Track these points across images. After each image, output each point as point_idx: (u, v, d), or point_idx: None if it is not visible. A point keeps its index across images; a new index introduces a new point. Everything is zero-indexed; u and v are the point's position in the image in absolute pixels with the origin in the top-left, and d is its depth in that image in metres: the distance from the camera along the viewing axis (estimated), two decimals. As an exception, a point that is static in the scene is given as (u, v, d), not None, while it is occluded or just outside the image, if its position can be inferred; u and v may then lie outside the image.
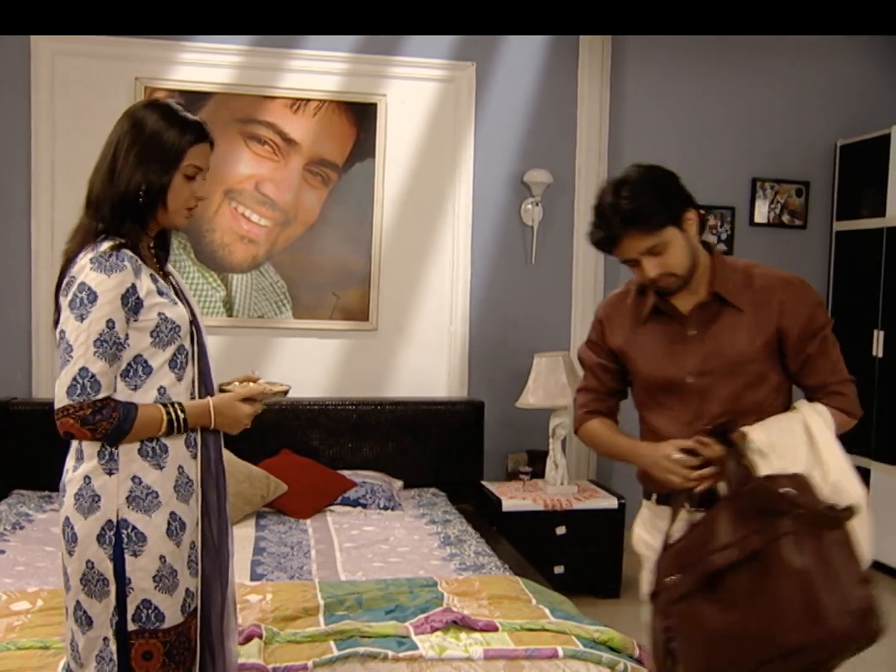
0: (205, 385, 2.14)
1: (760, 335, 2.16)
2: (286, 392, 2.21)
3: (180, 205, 2.08)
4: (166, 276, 2.18)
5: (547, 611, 3.04)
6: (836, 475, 1.98)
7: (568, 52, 5.15)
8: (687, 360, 2.21)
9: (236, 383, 2.17)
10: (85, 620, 2.01)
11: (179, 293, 2.17)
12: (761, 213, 5.33)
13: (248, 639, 2.65)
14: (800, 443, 2.03)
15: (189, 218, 2.14)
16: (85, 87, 4.67)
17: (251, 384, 2.19)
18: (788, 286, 2.18)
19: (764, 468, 1.99)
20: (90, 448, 2.01)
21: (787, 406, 2.21)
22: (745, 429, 2.05)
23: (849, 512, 1.86)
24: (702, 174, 5.20)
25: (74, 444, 2.05)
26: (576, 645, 2.76)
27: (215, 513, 2.14)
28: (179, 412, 2.02)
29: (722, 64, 5.22)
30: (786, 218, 5.37)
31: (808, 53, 5.34)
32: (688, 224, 2.13)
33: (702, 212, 2.20)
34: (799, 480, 1.91)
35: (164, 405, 2.01)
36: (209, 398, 2.10)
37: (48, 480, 4.27)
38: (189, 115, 2.09)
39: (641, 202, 2.07)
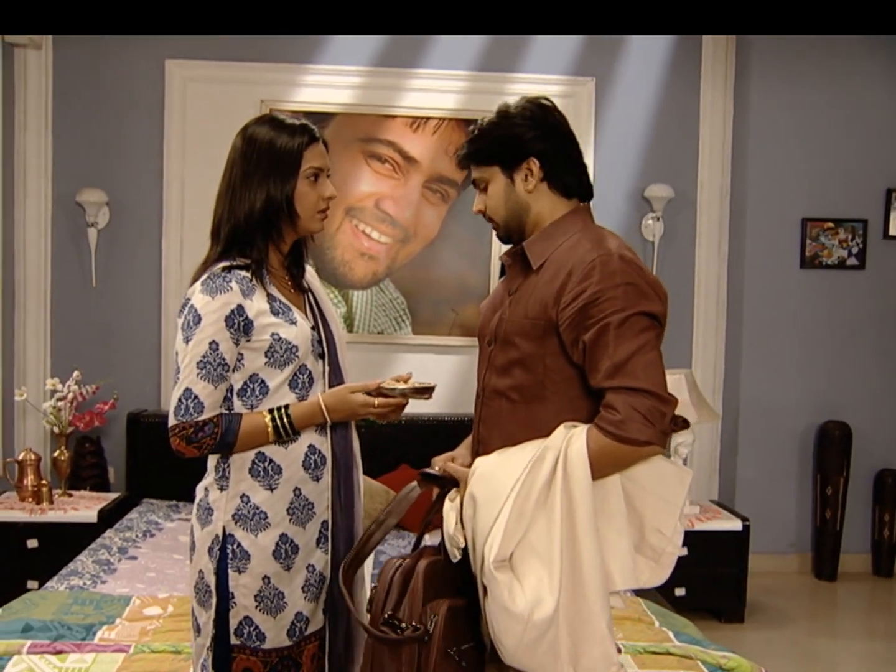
0: None
1: (537, 303, 1.84)
2: (423, 390, 2.06)
3: (310, 210, 2.05)
4: (302, 292, 2.16)
5: (671, 634, 2.97)
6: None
7: (690, 65, 5.07)
8: (490, 320, 1.98)
9: (390, 381, 2.07)
10: (195, 627, 2.06)
11: (313, 311, 2.14)
12: (896, 225, 5.10)
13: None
14: (503, 492, 1.72)
15: (324, 220, 2.11)
16: (213, 111, 4.83)
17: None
18: (589, 253, 1.80)
19: (467, 528, 1.78)
20: (211, 462, 2.06)
21: (585, 411, 1.82)
22: (469, 478, 1.81)
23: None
24: (831, 185, 5.04)
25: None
26: (701, 671, 2.69)
27: (344, 534, 2.10)
28: (284, 416, 1.98)
29: (848, 69, 5.02)
30: (924, 230, 5.12)
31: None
32: (519, 173, 1.91)
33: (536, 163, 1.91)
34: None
35: (270, 410, 1.99)
36: (319, 394, 2.04)
37: (175, 490, 4.46)
38: (295, 120, 2.06)
39: (483, 132, 1.94)
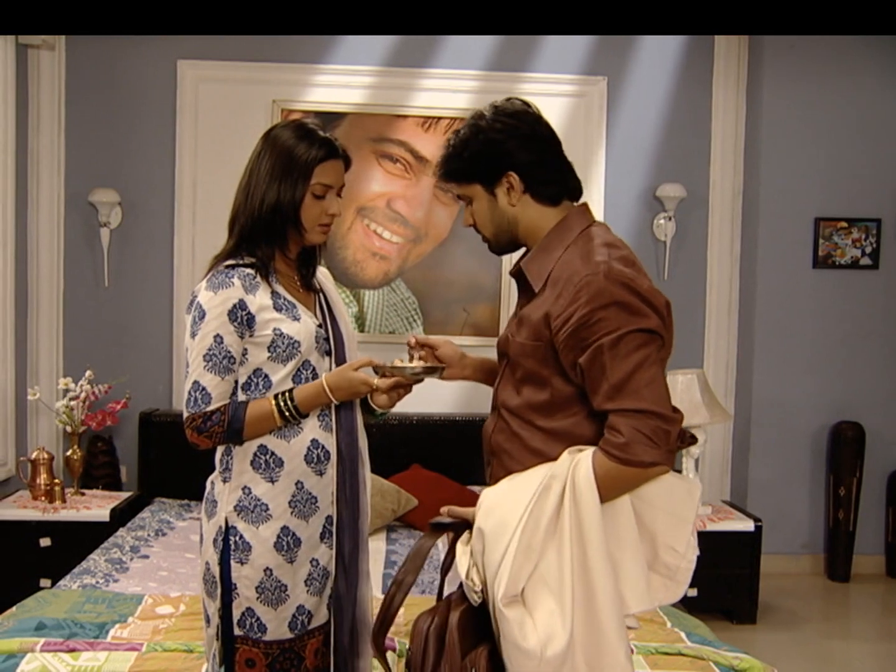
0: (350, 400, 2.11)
1: (536, 326, 1.81)
2: (431, 370, 2.05)
3: (312, 222, 2.07)
4: (313, 292, 2.18)
5: (683, 634, 2.96)
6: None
7: (702, 64, 5.05)
8: (505, 336, 1.94)
9: (398, 361, 2.08)
10: (205, 618, 2.10)
11: (322, 310, 2.17)
12: (910, 225, 5.07)
13: (381, 651, 2.66)
14: (511, 525, 1.68)
15: (325, 234, 2.12)
16: (225, 111, 4.84)
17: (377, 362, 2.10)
18: (577, 273, 1.75)
19: (478, 563, 1.73)
20: (216, 455, 2.10)
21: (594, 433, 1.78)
22: (476, 515, 1.76)
23: None
24: (844, 185, 5.02)
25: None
26: None
27: (349, 530, 2.12)
28: (288, 399, 2.01)
29: (861, 68, 5.00)
30: (937, 230, 5.09)
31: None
32: (500, 188, 1.86)
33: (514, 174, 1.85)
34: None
35: (275, 395, 2.02)
36: (324, 375, 2.05)
37: (187, 489, 4.46)
38: (320, 132, 2.07)
39: (458, 149, 1.87)
